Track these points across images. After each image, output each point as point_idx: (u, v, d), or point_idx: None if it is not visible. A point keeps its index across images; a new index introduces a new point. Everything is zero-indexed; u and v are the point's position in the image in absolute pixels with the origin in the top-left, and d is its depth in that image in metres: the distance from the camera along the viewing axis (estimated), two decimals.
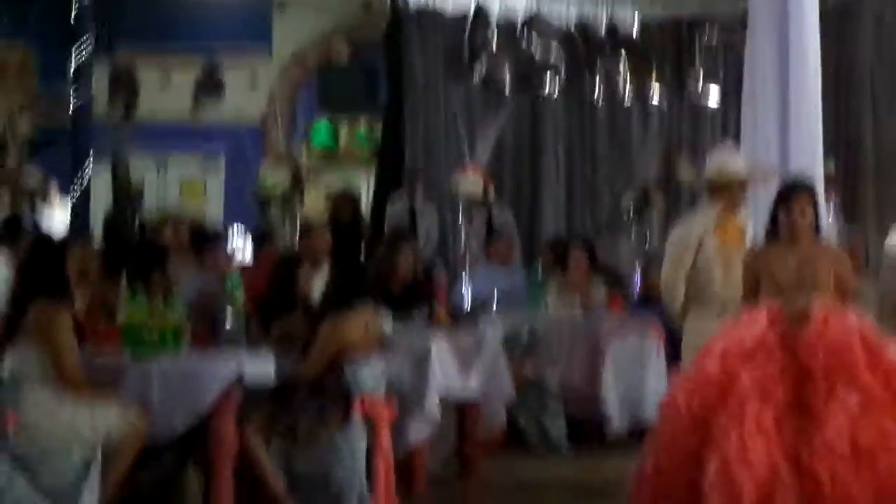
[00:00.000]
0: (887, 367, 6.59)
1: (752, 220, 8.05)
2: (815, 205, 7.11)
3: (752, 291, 7.03)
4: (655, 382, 10.27)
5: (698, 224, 8.04)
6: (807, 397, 6.54)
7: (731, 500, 6.32)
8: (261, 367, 7.35)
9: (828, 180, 9.61)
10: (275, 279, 8.32)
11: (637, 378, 10.49)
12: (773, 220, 7.09)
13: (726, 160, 8.10)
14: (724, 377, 6.63)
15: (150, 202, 16.02)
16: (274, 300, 8.20)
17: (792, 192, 7.11)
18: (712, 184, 8.06)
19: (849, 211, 13.28)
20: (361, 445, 7.33)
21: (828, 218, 8.81)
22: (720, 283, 7.91)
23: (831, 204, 10.39)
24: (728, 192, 8.00)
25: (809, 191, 7.16)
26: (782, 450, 6.41)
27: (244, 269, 10.19)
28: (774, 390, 6.56)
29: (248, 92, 17.83)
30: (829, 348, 6.60)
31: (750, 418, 6.46)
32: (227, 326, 7.80)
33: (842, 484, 6.29)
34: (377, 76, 17.12)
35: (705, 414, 6.58)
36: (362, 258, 10.55)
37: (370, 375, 7.45)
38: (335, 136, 19.56)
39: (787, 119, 8.89)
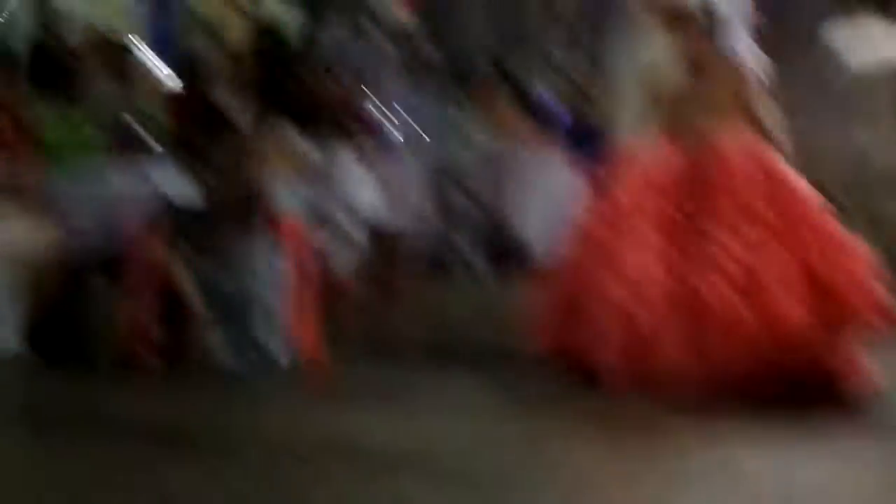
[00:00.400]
0: (787, 197, 6.68)
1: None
2: (717, 27, 7.01)
3: (656, 118, 7.03)
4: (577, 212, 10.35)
5: (662, 53, 7.92)
6: (707, 225, 6.64)
7: (623, 323, 6.54)
8: (184, 187, 7.37)
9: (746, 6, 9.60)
10: (200, 101, 8.29)
11: (559, 207, 10.56)
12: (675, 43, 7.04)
13: None
14: (628, 203, 6.75)
15: (65, 18, 15.69)
16: (199, 121, 8.17)
17: (692, 14, 7.01)
18: (665, 12, 7.93)
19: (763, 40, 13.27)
20: (284, 267, 7.39)
21: (748, 45, 8.76)
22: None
23: (748, 31, 10.37)
24: (677, 21, 7.87)
25: (711, 12, 7.04)
26: (678, 275, 6.56)
27: (169, 92, 10.12)
28: (676, 218, 6.67)
29: None
30: (729, 176, 6.68)
31: (647, 244, 6.62)
32: (150, 145, 7.79)
33: (731, 309, 6.44)
34: None
35: (606, 240, 6.75)
36: (287, 85, 10.51)
37: (294, 198, 7.50)
38: None
39: None
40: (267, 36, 13.58)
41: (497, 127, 11.08)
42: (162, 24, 15.42)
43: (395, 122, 10.90)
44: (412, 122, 11.11)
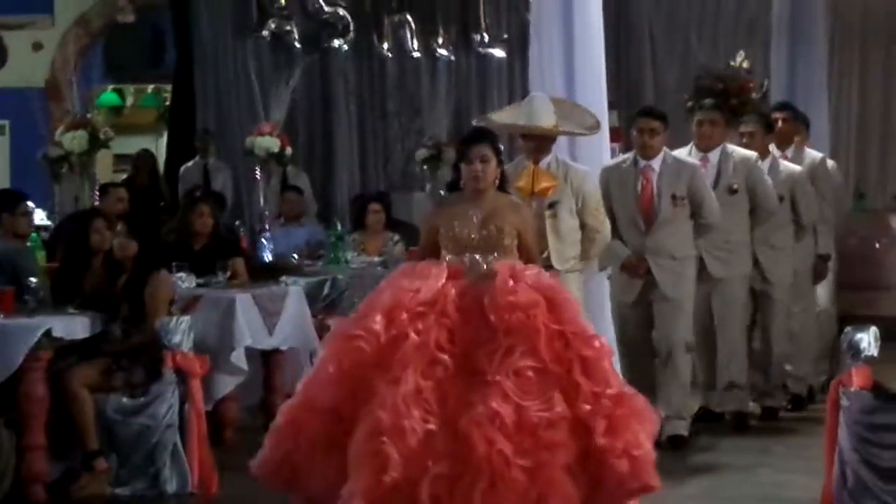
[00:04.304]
0: (567, 336, 6.24)
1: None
2: (498, 154, 6.66)
3: (432, 248, 6.61)
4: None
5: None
6: (478, 360, 6.18)
7: (377, 469, 5.96)
8: (70, 325, 7.45)
9: (613, 131, 9.94)
10: (70, 236, 8.37)
11: None
12: (456, 171, 6.71)
13: (533, 108, 7.78)
14: (390, 335, 6.18)
15: None
16: (71, 256, 8.24)
17: (472, 142, 6.66)
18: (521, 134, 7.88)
19: None
20: (174, 399, 7.47)
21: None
22: None
23: (616, 154, 10.73)
24: (530, 141, 7.82)
25: (491, 140, 6.70)
26: (441, 417, 6.05)
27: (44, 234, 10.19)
28: (442, 353, 6.15)
29: (31, 56, 17.56)
30: (515, 310, 6.22)
31: (409, 384, 6.06)
32: (32, 287, 7.85)
33: (498, 454, 5.96)
34: (164, 36, 17.06)
35: (363, 373, 6.17)
36: (159, 215, 10.63)
37: (179, 331, 7.59)
38: (122, 98, 19.42)
39: (572, 72, 9.12)
40: (140, 168, 13.76)
41: (373, 248, 11.25)
42: (23, 165, 15.46)
43: (271, 247, 11.05)
44: (287, 247, 11.27)
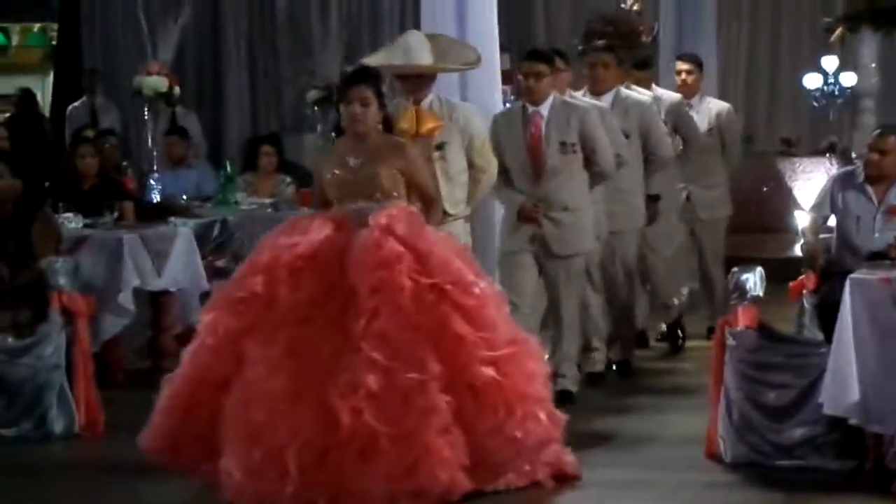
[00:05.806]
0: (440, 287, 6.00)
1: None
2: (380, 96, 6.39)
3: (325, 196, 6.41)
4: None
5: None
6: (348, 319, 5.95)
7: (244, 435, 5.85)
8: None
9: (504, 74, 9.87)
10: None
11: None
12: (339, 113, 6.46)
13: (409, 47, 7.52)
14: (265, 295, 6.00)
15: None
16: None
17: (352, 83, 6.41)
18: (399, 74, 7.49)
19: None
20: (61, 340, 7.39)
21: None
22: None
23: (508, 97, 10.68)
24: (408, 81, 7.49)
25: (374, 79, 6.43)
26: (312, 380, 5.88)
27: None
28: (316, 313, 5.98)
29: None
30: (378, 268, 5.97)
31: (280, 344, 5.92)
32: None
33: (364, 425, 5.78)
34: None
35: (240, 336, 6.01)
36: (44, 155, 10.49)
37: (65, 271, 7.51)
38: (7, 38, 19.09)
39: (464, 12, 9.07)
40: (22, 107, 13.54)
41: (263, 189, 11.17)
42: None
43: (159, 188, 10.94)
44: (175, 188, 11.16)
